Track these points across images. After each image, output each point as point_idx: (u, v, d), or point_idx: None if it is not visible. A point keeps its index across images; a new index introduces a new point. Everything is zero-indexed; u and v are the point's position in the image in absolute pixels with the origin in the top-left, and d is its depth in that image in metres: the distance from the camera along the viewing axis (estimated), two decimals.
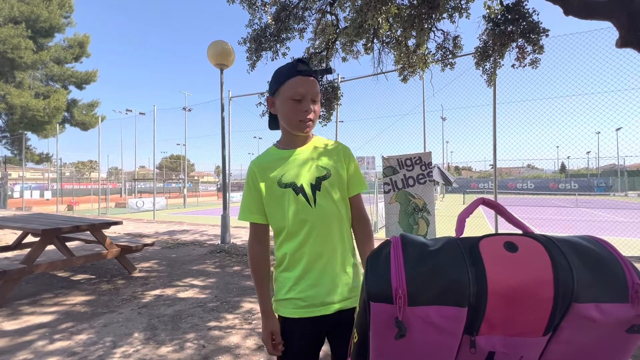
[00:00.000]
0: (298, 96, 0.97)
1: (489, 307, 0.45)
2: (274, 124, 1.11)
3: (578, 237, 0.52)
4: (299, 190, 0.99)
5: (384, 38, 4.73)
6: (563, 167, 34.01)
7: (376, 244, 1.12)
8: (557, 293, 0.44)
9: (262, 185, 1.02)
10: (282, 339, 1.00)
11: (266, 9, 4.97)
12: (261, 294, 1.04)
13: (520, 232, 0.56)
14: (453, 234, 0.58)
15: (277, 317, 1.03)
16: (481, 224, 8.22)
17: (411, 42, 4.53)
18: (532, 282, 0.45)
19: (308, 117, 0.99)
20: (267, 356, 2.22)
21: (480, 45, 4.05)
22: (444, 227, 4.72)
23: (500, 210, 0.59)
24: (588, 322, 0.44)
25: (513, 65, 3.95)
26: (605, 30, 5.14)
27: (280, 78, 1.00)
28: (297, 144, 1.05)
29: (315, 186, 0.99)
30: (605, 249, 0.49)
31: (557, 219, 10.56)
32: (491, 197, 5.63)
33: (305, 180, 1.00)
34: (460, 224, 0.56)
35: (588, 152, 27.47)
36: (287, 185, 1.00)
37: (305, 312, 0.98)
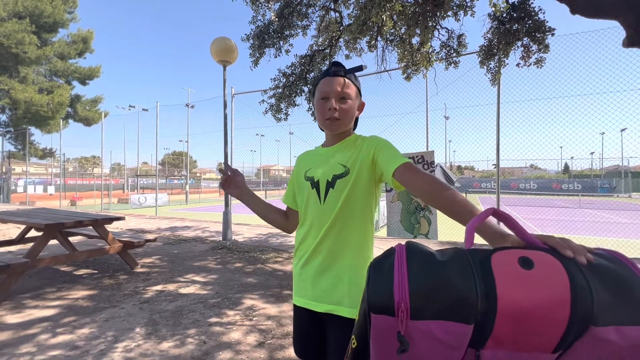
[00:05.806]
0: (323, 94, 1.00)
1: (496, 326, 0.43)
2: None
3: (597, 253, 0.48)
4: (314, 185, 1.03)
5: (388, 36, 4.70)
6: (566, 167, 33.85)
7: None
8: (574, 315, 0.41)
9: (296, 176, 1.13)
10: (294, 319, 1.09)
11: (269, 5, 4.95)
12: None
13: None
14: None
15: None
16: None
17: (415, 40, 4.50)
18: (547, 304, 0.42)
19: (333, 115, 0.99)
20: (268, 353, 2.23)
21: (485, 44, 4.02)
22: (445, 226, 4.70)
23: (511, 224, 0.55)
24: (605, 344, 0.41)
25: (518, 64, 3.92)
26: (612, 30, 5.08)
27: (315, 82, 1.06)
28: (334, 142, 1.07)
29: (330, 183, 1.00)
30: (627, 266, 0.45)
31: (560, 219, 10.50)
32: (494, 197, 5.61)
33: (322, 176, 1.02)
34: (470, 234, 0.52)
35: (592, 153, 27.36)
36: (308, 179, 1.05)
37: (299, 301, 1.05)
